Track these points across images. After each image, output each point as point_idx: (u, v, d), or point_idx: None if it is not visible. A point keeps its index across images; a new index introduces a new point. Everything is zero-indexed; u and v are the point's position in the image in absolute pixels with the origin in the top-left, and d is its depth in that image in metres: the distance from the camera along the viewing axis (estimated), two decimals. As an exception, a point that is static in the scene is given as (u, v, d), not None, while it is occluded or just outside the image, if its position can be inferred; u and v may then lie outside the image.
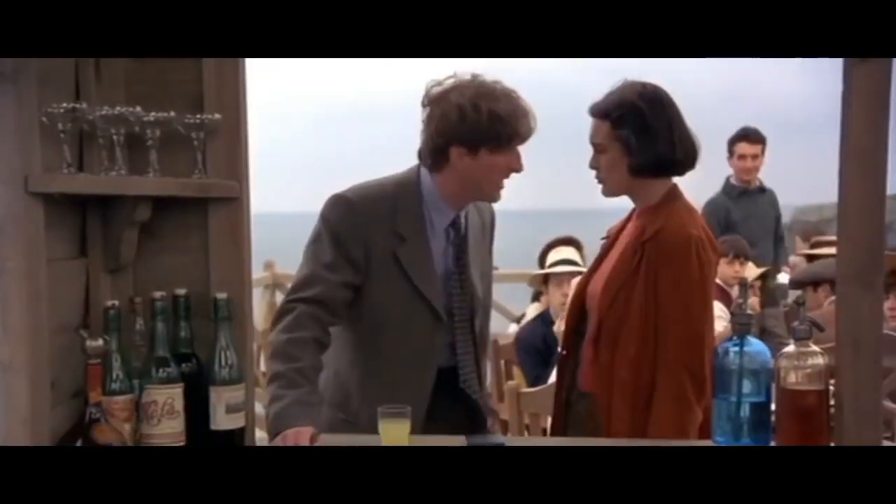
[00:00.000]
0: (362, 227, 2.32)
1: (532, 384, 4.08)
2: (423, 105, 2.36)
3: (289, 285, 2.53)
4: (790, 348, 1.96)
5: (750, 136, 5.65)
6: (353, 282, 2.33)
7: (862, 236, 1.81)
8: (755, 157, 5.66)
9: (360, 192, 2.37)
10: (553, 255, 4.43)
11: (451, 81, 2.34)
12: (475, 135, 2.29)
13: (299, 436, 2.05)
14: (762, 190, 5.77)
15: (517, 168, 2.37)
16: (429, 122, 2.35)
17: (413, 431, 2.05)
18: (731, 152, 5.68)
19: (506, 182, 2.39)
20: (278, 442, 2.06)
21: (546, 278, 4.39)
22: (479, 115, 2.27)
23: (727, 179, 5.75)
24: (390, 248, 2.33)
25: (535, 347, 4.20)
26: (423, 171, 2.40)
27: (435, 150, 2.34)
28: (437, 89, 2.34)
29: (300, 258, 2.39)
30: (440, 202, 2.38)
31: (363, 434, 2.16)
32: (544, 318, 4.31)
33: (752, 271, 4.82)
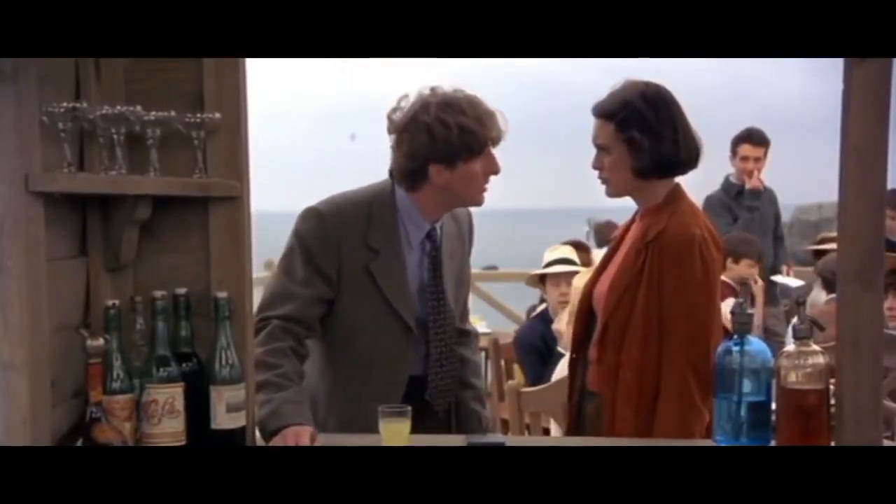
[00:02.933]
0: (334, 241, 2.33)
1: (532, 383, 4.09)
2: (389, 132, 2.37)
3: (269, 290, 2.51)
4: (790, 347, 1.96)
5: (753, 137, 5.65)
6: (326, 296, 2.34)
7: (862, 235, 1.81)
8: (757, 159, 5.66)
9: (332, 206, 2.37)
10: (549, 255, 4.43)
11: (411, 102, 2.34)
12: (449, 150, 2.30)
13: (299, 435, 2.05)
14: (762, 189, 5.76)
15: (494, 170, 2.37)
16: (399, 145, 2.36)
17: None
18: (733, 152, 5.68)
19: (487, 185, 2.39)
20: (278, 441, 2.06)
21: (543, 278, 4.39)
22: (449, 131, 2.28)
23: (727, 178, 5.75)
24: (363, 262, 2.34)
25: (535, 346, 4.21)
26: (398, 190, 2.40)
27: (412, 173, 2.35)
28: (399, 114, 2.35)
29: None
30: (416, 215, 2.38)
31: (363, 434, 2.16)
32: (544, 317, 4.32)
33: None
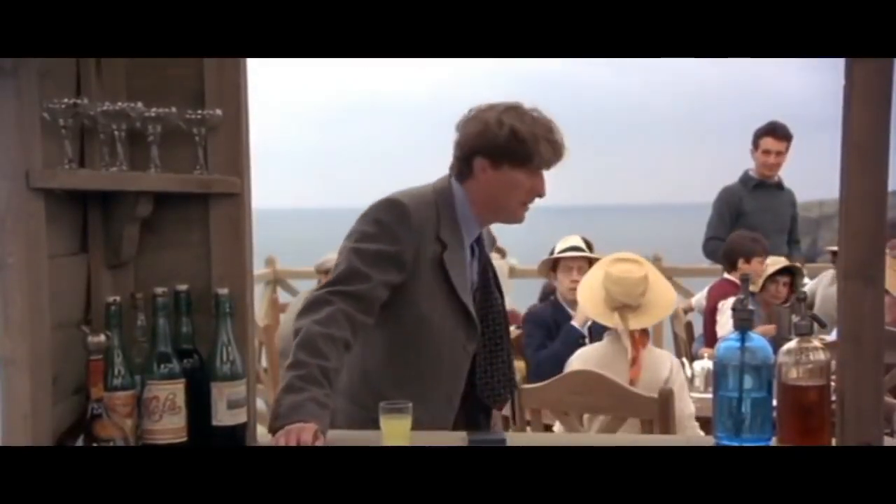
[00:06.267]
0: (416, 231, 2.36)
1: (532, 354, 4.10)
2: (457, 129, 2.44)
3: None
4: (791, 344, 1.96)
5: (777, 131, 5.65)
6: (394, 281, 2.34)
7: (863, 232, 1.81)
8: (779, 153, 5.66)
9: (412, 198, 2.41)
10: (560, 245, 4.44)
11: (488, 105, 2.42)
12: (495, 147, 2.35)
13: (303, 431, 2.04)
14: (780, 187, 5.77)
15: (539, 191, 2.42)
16: (457, 135, 2.43)
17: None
18: (755, 145, 5.68)
19: (529, 205, 2.44)
20: (281, 435, 2.05)
21: (554, 267, 4.38)
22: (500, 130, 2.34)
23: (746, 171, 5.76)
24: (437, 253, 2.38)
25: (544, 320, 4.24)
26: (455, 184, 2.45)
27: (460, 160, 2.42)
28: (472, 112, 2.43)
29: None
30: (469, 214, 2.44)
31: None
32: (554, 303, 4.32)
33: (775, 264, 4.81)
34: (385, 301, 2.34)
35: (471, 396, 2.45)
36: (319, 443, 2.02)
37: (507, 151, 2.35)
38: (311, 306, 2.24)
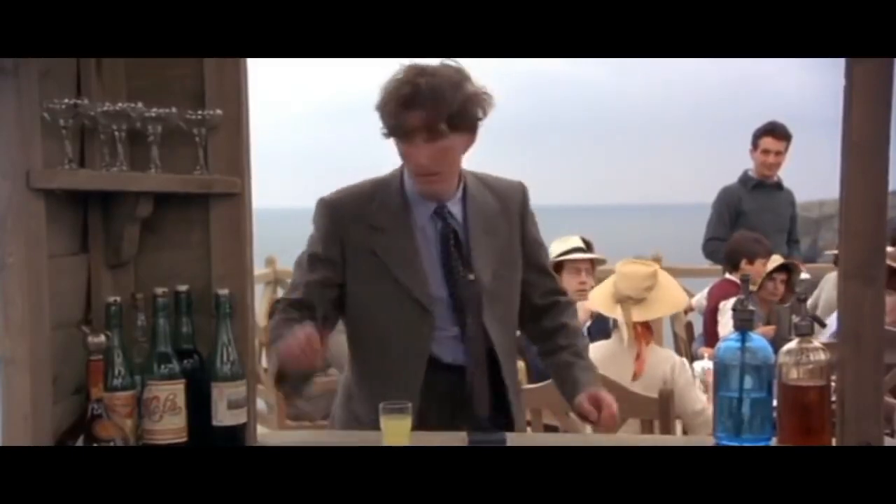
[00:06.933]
0: (339, 226, 2.34)
1: (533, 355, 4.08)
2: None
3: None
4: (792, 344, 1.96)
5: (776, 131, 5.66)
6: (333, 280, 2.34)
7: (863, 232, 1.81)
8: (778, 153, 5.66)
9: (338, 193, 2.39)
10: (560, 245, 4.36)
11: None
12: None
13: (295, 335, 2.10)
14: (779, 187, 5.77)
15: (413, 164, 2.27)
16: None
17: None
18: (755, 145, 5.68)
19: (424, 178, 2.28)
20: (283, 350, 2.12)
21: (557, 268, 4.33)
22: (379, 99, 2.24)
23: (745, 171, 5.76)
24: (367, 243, 2.33)
25: None
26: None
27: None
28: None
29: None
30: (415, 192, 2.35)
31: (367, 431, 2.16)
32: None
33: (773, 263, 4.82)
34: (336, 300, 2.36)
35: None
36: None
37: (383, 125, 2.25)
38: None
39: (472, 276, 2.34)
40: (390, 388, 2.19)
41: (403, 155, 2.28)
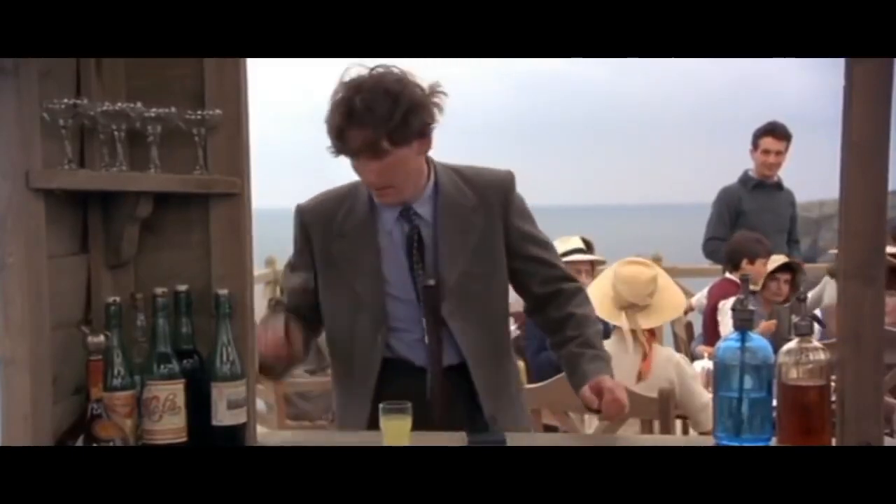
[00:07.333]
0: (307, 233, 2.38)
1: (533, 355, 4.08)
2: None
3: None
4: (791, 344, 1.96)
5: (777, 131, 5.67)
6: (307, 286, 2.38)
7: (863, 232, 1.81)
8: (778, 153, 5.67)
9: (313, 199, 2.41)
10: (559, 246, 4.35)
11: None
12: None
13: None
14: (779, 187, 5.78)
15: (364, 181, 2.25)
16: None
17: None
18: (755, 145, 5.69)
19: (379, 192, 2.25)
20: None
21: None
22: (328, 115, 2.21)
23: (745, 171, 5.77)
24: (331, 250, 2.35)
25: None
26: None
27: None
28: None
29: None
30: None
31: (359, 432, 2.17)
32: None
33: (774, 263, 4.82)
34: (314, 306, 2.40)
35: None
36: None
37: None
38: None
39: (431, 281, 2.30)
40: (351, 392, 2.29)
41: (354, 170, 2.24)
